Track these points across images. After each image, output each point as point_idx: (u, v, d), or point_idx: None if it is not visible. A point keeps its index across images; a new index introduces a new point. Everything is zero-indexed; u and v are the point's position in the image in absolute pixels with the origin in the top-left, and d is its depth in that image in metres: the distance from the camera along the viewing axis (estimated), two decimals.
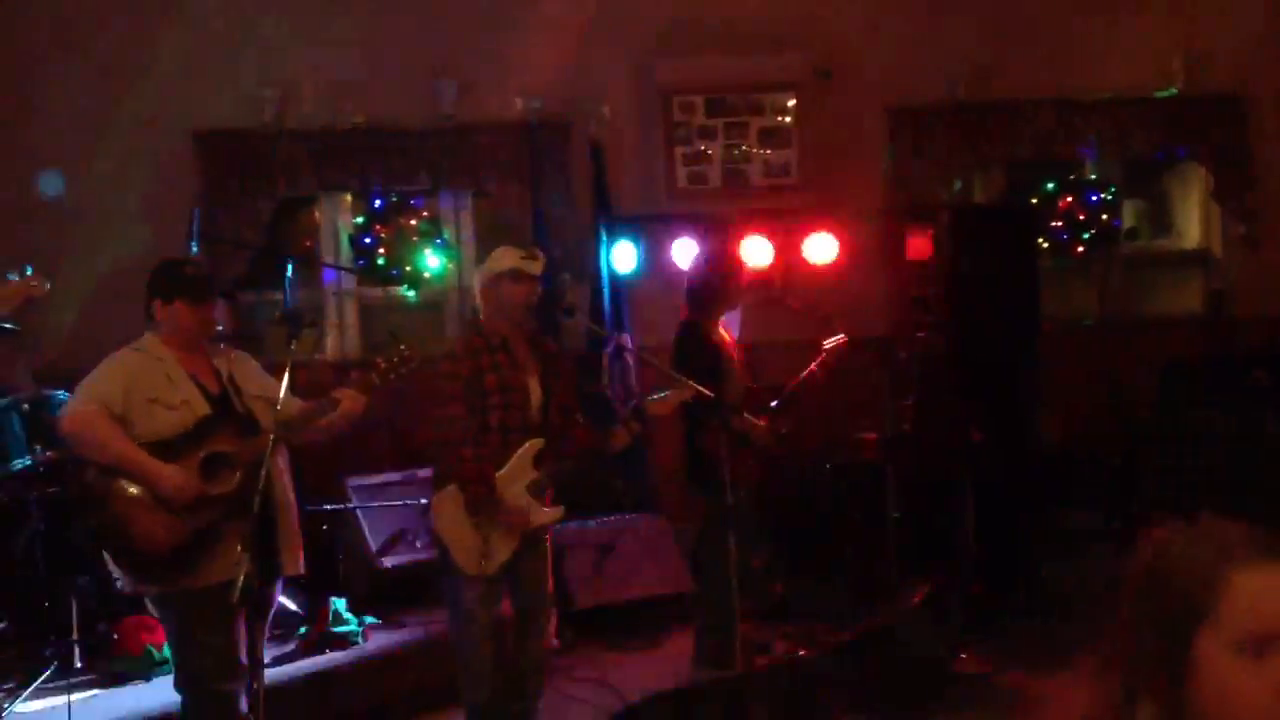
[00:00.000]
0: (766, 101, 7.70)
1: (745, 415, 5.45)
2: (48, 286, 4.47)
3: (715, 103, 7.68)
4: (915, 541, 6.44)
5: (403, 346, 4.35)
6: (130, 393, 3.99)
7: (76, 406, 3.99)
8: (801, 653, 5.72)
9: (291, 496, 4.27)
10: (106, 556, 4.05)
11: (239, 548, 3.74)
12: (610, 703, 5.38)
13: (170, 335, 4.13)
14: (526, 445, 4.61)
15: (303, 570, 4.30)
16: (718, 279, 5.67)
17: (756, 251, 7.36)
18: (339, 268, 7.68)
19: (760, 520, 5.90)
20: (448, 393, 4.51)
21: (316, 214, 7.89)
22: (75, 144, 7.31)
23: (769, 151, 7.70)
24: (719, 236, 7.18)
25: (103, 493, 3.97)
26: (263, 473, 3.90)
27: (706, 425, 5.36)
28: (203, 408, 4.08)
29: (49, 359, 6.57)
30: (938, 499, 6.46)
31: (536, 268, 4.70)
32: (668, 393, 4.87)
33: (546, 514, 4.70)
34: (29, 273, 4.44)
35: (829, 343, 5.80)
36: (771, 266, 7.46)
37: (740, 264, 5.92)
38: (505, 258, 4.70)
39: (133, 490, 3.94)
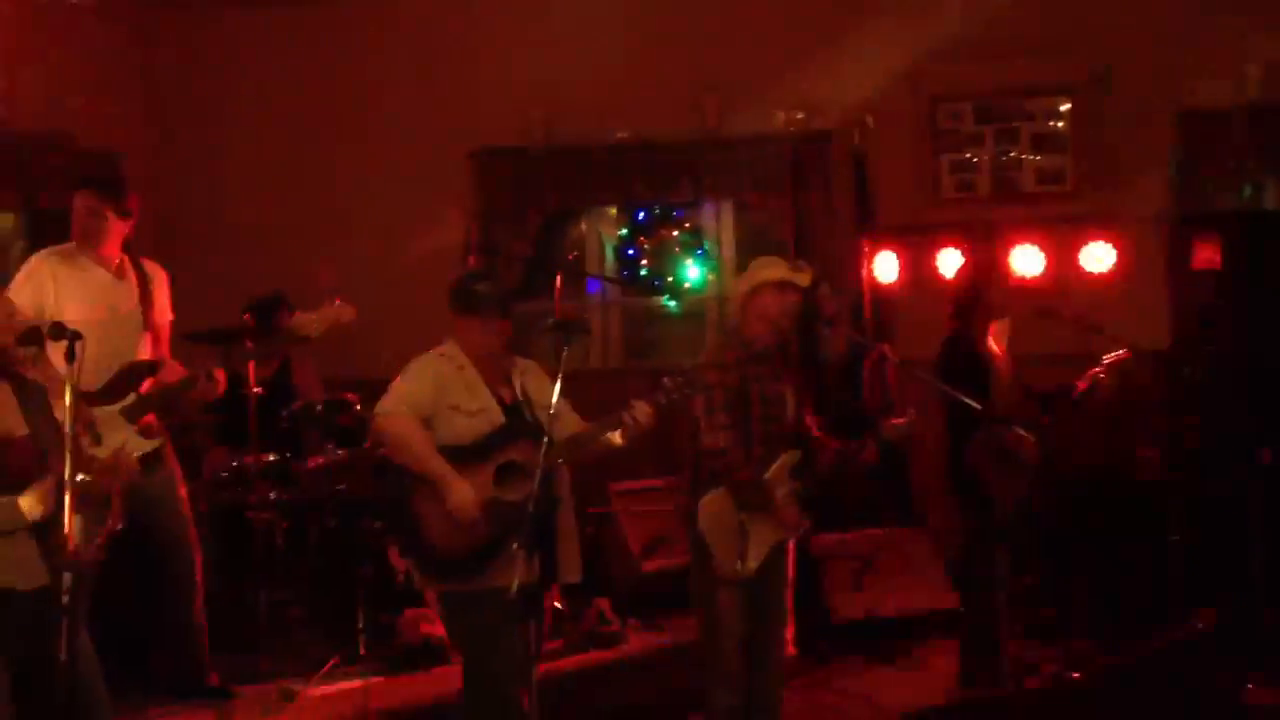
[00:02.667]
0: (1039, 106, 7.47)
1: (1015, 429, 5.29)
2: (352, 314, 4.83)
3: (984, 109, 7.50)
4: (1200, 566, 6.09)
5: (688, 368, 4.37)
6: (437, 398, 4.21)
7: (389, 409, 4.23)
8: (1074, 675, 5.50)
9: (570, 505, 4.41)
10: (396, 551, 4.28)
11: (522, 553, 3.88)
12: (869, 717, 5.31)
13: (467, 345, 4.33)
14: (784, 456, 4.64)
15: (579, 578, 4.44)
16: (983, 290, 5.55)
17: (1027, 261, 7.12)
18: (603, 278, 7.88)
19: (1031, 537, 5.71)
20: (716, 402, 4.56)
21: (582, 226, 8.12)
22: (363, 163, 7.75)
23: (1041, 157, 7.46)
24: (984, 246, 7.00)
25: (405, 493, 4.21)
26: (550, 483, 4.05)
27: (972, 439, 5.24)
28: (498, 417, 4.26)
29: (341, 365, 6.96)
30: (1225, 521, 6.10)
31: (804, 279, 4.71)
32: (904, 421, 4.82)
33: (802, 523, 4.72)
34: (336, 303, 4.82)
35: (1109, 357, 5.55)
36: (1043, 276, 7.20)
37: (1006, 274, 5.76)
38: (771, 268, 4.73)
39: (434, 494, 4.15)
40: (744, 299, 4.75)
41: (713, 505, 4.61)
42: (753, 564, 4.59)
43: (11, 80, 6.21)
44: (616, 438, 4.29)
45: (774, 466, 4.63)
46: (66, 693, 3.18)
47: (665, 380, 4.28)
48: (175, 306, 5.21)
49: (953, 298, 5.67)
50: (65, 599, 3.06)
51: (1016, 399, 5.48)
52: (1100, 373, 5.50)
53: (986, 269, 5.75)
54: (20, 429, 3.53)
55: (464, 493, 4.12)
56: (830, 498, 5.03)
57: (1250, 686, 5.32)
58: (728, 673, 4.63)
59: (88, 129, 6.69)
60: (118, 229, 4.91)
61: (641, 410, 4.23)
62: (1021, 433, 5.32)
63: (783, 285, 4.67)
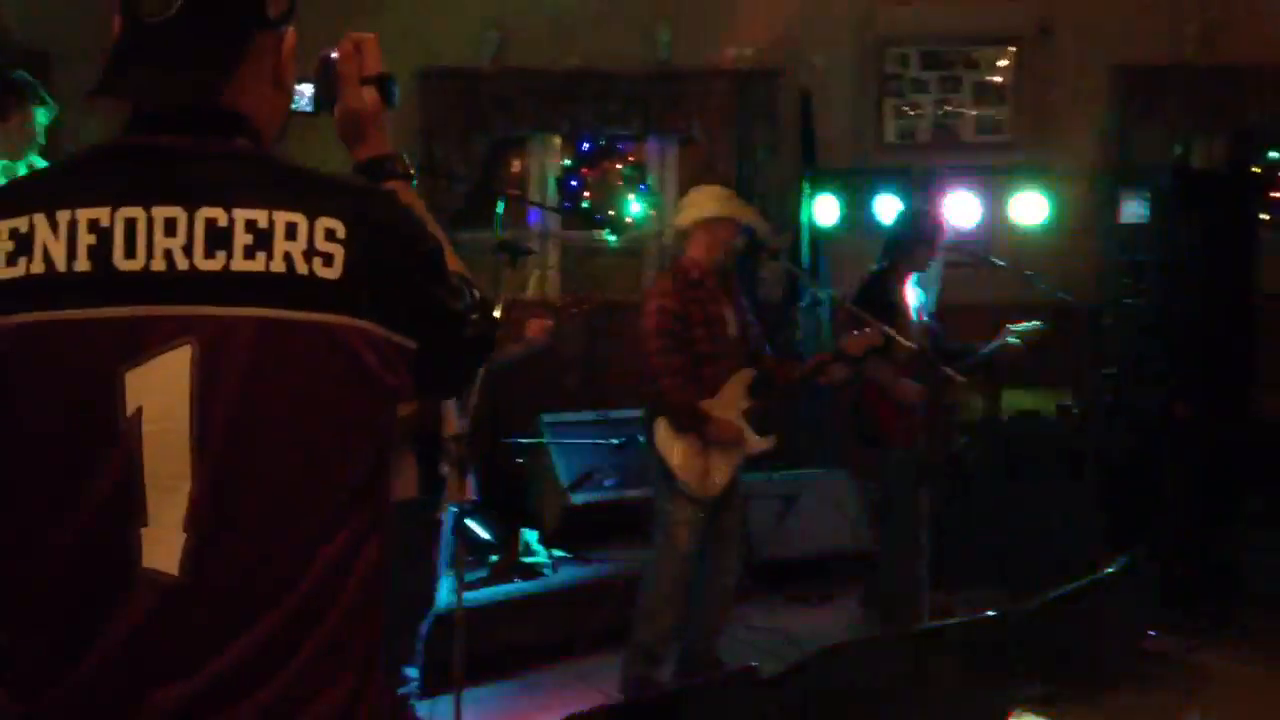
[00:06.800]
0: (983, 56, 7.52)
1: (901, 378, 5.41)
2: None
3: (930, 55, 7.53)
4: (1114, 514, 6.28)
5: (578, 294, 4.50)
6: None
7: None
8: (989, 612, 5.66)
9: (458, 425, 4.40)
10: None
11: (413, 469, 3.94)
12: (787, 652, 5.45)
13: None
14: (740, 374, 4.75)
15: (471, 497, 4.46)
16: (913, 239, 5.65)
17: (962, 209, 7.19)
18: (545, 208, 7.86)
19: (948, 484, 5.86)
20: (653, 328, 4.67)
21: (526, 154, 8.07)
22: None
23: (983, 107, 7.52)
24: (923, 195, 7.06)
25: None
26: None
27: (865, 381, 5.38)
28: None
29: None
30: (1139, 472, 6.29)
31: (751, 217, 4.81)
32: (859, 332, 4.92)
33: (759, 441, 4.82)
34: None
35: (1020, 329, 5.55)
36: (978, 226, 7.29)
37: (939, 226, 5.83)
38: (719, 202, 4.80)
39: None
40: (688, 229, 4.83)
41: (667, 428, 4.72)
42: (720, 480, 4.71)
43: None
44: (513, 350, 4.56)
45: (727, 386, 4.75)
46: None
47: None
48: None
49: (885, 240, 5.77)
50: None
51: (919, 349, 5.57)
52: (1007, 341, 5.53)
53: (918, 219, 5.83)
54: None
55: None
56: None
57: (1152, 633, 5.55)
58: (670, 590, 4.73)
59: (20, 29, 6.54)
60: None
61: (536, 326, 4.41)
62: (953, 374, 5.42)
63: (730, 223, 4.76)
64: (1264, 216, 7.37)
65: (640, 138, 7.87)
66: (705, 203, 4.82)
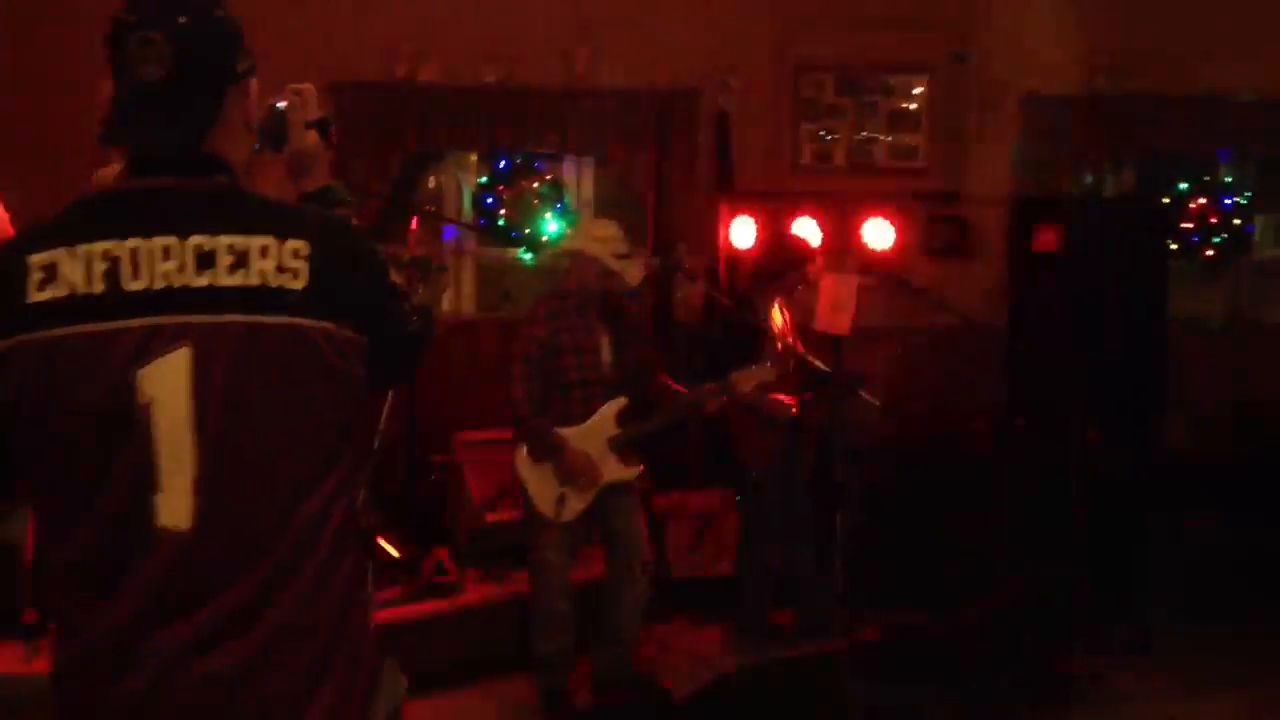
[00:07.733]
0: (898, 83, 7.62)
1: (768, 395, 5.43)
2: None
3: (846, 81, 7.61)
4: (1023, 537, 6.35)
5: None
6: None
7: None
8: (903, 632, 5.69)
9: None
10: None
11: None
12: (703, 673, 5.41)
13: None
14: (610, 403, 4.77)
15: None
16: (777, 263, 5.71)
17: (878, 234, 7.26)
18: (460, 224, 7.77)
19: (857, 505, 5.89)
20: (518, 352, 4.74)
21: (441, 170, 7.98)
22: None
23: (898, 134, 7.61)
24: (775, 222, 7.09)
25: None
26: None
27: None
28: None
29: None
30: (1048, 495, 6.37)
31: (631, 278, 4.81)
32: (753, 368, 4.95)
33: (619, 470, 4.82)
34: None
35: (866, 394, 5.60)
36: (892, 250, 7.38)
37: (805, 254, 5.86)
38: (604, 244, 4.80)
39: None
40: (572, 257, 4.88)
41: (525, 452, 4.81)
42: (576, 506, 4.71)
43: None
44: None
45: (597, 414, 4.74)
46: None
47: None
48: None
49: (754, 260, 5.84)
50: None
51: (785, 368, 5.59)
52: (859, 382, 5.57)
53: (786, 241, 5.93)
54: None
55: None
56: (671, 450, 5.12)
57: (1062, 655, 5.60)
58: (548, 618, 4.75)
59: None
60: None
61: None
62: (869, 398, 5.47)
63: (595, 263, 4.77)
64: (1173, 246, 7.60)
65: (557, 156, 7.82)
66: (583, 236, 4.88)
